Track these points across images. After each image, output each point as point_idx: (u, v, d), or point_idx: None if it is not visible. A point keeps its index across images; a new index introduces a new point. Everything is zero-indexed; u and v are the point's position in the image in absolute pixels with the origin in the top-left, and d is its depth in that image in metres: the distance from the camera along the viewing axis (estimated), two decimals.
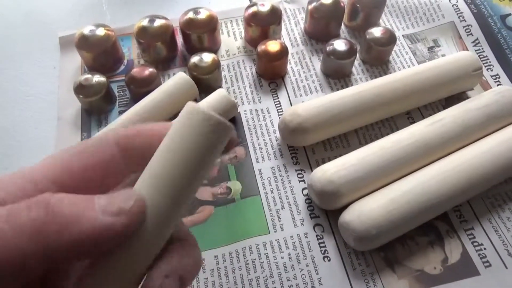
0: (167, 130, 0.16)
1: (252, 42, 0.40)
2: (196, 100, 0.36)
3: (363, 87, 0.34)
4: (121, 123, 0.33)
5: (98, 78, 0.35)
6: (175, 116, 0.34)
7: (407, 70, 0.35)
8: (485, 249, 0.30)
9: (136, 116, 0.33)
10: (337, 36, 0.41)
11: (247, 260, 0.29)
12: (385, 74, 0.39)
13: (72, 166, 0.16)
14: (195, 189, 0.16)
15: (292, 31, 0.42)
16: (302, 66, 0.39)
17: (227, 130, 0.16)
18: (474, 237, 0.30)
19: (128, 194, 0.15)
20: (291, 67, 0.39)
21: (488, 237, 0.30)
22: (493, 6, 0.41)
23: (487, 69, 0.39)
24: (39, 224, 0.13)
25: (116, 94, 0.38)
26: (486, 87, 0.38)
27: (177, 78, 0.35)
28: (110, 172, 0.17)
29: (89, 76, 0.35)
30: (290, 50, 0.40)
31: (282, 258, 0.29)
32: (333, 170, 0.30)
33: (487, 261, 0.29)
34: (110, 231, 0.14)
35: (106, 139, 0.17)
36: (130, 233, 0.15)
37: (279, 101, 0.37)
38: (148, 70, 0.36)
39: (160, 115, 0.34)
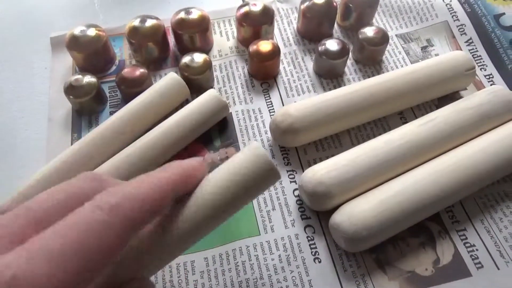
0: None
1: (244, 42, 0.40)
2: (188, 101, 0.36)
3: (356, 87, 0.34)
4: (111, 123, 0.33)
5: (88, 79, 0.35)
6: (165, 117, 0.34)
7: (400, 70, 0.35)
8: (477, 250, 0.29)
9: (128, 115, 0.33)
10: (330, 36, 0.41)
11: (237, 262, 0.29)
12: (378, 74, 0.38)
13: None
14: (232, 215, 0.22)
15: (284, 31, 0.42)
16: (295, 66, 0.39)
17: (276, 180, 0.22)
18: (466, 238, 0.30)
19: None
20: (284, 67, 0.39)
21: (480, 238, 0.30)
22: (486, 6, 0.41)
23: (480, 69, 0.39)
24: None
25: (108, 94, 0.38)
26: (479, 86, 0.38)
27: (168, 79, 0.35)
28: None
29: (79, 76, 0.35)
30: (283, 50, 0.40)
31: (273, 259, 0.29)
32: (324, 171, 0.29)
33: (479, 262, 0.29)
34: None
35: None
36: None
37: (271, 101, 0.37)
38: (139, 71, 0.36)
39: (151, 115, 0.34)
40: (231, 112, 0.36)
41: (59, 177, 0.30)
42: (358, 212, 0.28)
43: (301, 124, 0.32)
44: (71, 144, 0.35)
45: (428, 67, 0.35)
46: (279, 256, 0.29)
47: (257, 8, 0.38)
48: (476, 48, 0.40)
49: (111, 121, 0.33)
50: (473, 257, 0.29)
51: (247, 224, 0.30)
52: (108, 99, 0.37)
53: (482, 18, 0.40)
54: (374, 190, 0.29)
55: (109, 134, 0.32)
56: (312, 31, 0.40)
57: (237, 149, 0.34)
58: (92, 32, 0.37)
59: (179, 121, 0.33)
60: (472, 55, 0.39)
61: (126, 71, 0.36)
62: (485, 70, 0.38)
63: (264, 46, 0.37)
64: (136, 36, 0.37)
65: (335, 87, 0.38)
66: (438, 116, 0.32)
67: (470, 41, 0.40)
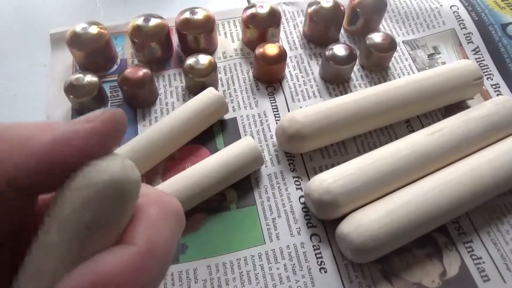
0: None
1: (250, 44, 0.39)
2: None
3: (363, 94, 0.33)
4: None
5: (89, 78, 0.34)
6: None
7: (407, 77, 0.35)
8: (483, 262, 0.29)
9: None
10: (336, 40, 0.40)
11: (242, 272, 0.28)
12: (385, 80, 0.38)
13: None
14: None
15: (290, 34, 0.41)
16: (301, 70, 0.38)
17: None
18: (473, 250, 0.30)
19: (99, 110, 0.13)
20: (289, 71, 0.38)
21: (487, 250, 0.30)
22: (494, 14, 0.41)
23: (487, 78, 0.38)
24: None
25: (108, 94, 0.37)
26: (486, 96, 0.37)
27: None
28: None
29: (80, 75, 0.34)
30: (289, 54, 0.39)
31: (278, 269, 0.28)
32: (331, 179, 0.29)
33: (486, 275, 0.28)
34: (74, 138, 0.12)
35: None
36: (100, 141, 0.13)
37: (276, 105, 0.36)
38: (142, 71, 0.35)
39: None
40: (235, 117, 0.35)
41: None
42: (365, 222, 0.27)
43: (308, 131, 0.31)
44: None
45: (436, 76, 0.35)
46: (285, 265, 0.29)
47: (264, 10, 0.38)
48: (483, 57, 0.39)
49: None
50: (479, 270, 0.29)
51: (252, 233, 0.30)
52: (109, 99, 0.36)
53: (489, 26, 0.40)
54: (381, 200, 0.29)
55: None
56: (318, 35, 0.39)
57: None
58: (94, 29, 0.36)
59: (175, 118, 0.32)
60: (479, 64, 0.39)
61: (128, 71, 0.35)
62: (492, 79, 0.38)
63: (271, 49, 0.36)
64: (139, 35, 0.36)
65: (341, 93, 0.37)
66: (446, 127, 0.32)
67: (477, 49, 0.40)
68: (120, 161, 0.13)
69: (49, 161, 0.12)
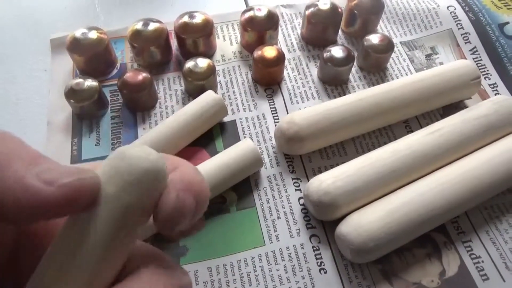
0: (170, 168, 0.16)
1: (248, 47, 0.40)
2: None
3: (361, 95, 0.34)
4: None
5: (90, 83, 0.35)
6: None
7: (405, 78, 0.35)
8: (482, 261, 0.29)
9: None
10: (334, 42, 0.41)
11: (242, 273, 0.28)
12: (383, 81, 0.38)
13: None
14: None
15: (288, 36, 0.41)
16: (299, 72, 0.39)
17: None
18: (472, 249, 0.30)
19: (81, 170, 0.13)
20: (288, 73, 0.38)
21: (486, 249, 0.30)
22: (491, 14, 0.41)
23: (484, 78, 0.38)
24: None
25: (109, 99, 0.37)
26: (484, 96, 0.38)
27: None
28: None
29: (80, 80, 0.34)
30: (287, 56, 0.39)
31: (278, 270, 0.29)
32: (330, 180, 0.29)
33: (485, 274, 0.29)
34: (35, 197, 0.12)
35: None
36: (61, 207, 0.13)
37: (275, 107, 0.36)
38: (142, 75, 0.35)
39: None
40: (234, 120, 0.36)
41: None
42: (364, 223, 0.27)
43: (306, 132, 0.32)
44: (71, 148, 0.34)
45: (434, 76, 0.35)
46: (285, 266, 0.29)
47: (261, 13, 0.38)
48: (480, 56, 0.39)
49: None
50: (479, 269, 0.29)
51: (252, 234, 0.30)
52: (110, 103, 0.37)
53: (486, 26, 0.40)
54: (380, 201, 0.29)
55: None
56: (316, 37, 0.40)
57: None
58: (93, 34, 0.37)
59: (175, 121, 0.32)
60: (476, 64, 0.39)
61: (128, 76, 0.35)
62: (489, 79, 0.38)
63: (269, 51, 0.36)
64: (139, 40, 0.37)
65: (339, 94, 0.37)
66: (444, 126, 0.32)
67: (475, 49, 0.40)
68: (155, 153, 0.14)
69: (16, 207, 0.12)
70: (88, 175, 0.13)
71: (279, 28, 0.41)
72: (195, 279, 0.28)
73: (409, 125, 0.36)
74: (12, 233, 0.13)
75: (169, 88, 0.38)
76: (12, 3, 0.44)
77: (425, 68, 0.39)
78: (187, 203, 0.14)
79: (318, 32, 0.39)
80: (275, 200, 0.31)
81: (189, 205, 0.15)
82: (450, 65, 0.36)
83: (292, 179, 0.33)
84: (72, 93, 0.34)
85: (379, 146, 0.33)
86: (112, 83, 0.38)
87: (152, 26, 0.37)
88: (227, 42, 0.41)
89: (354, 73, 0.39)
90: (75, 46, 0.36)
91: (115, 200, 0.14)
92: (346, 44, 0.41)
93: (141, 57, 0.38)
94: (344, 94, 0.37)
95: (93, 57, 0.36)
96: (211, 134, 0.35)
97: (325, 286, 0.28)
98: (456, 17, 0.41)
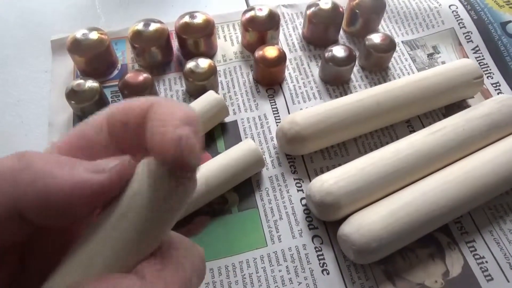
0: (144, 106, 0.15)
1: (249, 47, 0.39)
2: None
3: (363, 95, 0.33)
4: None
5: (91, 84, 0.34)
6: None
7: (407, 77, 0.35)
8: (486, 262, 0.29)
9: None
10: (335, 41, 0.40)
11: (244, 274, 0.28)
12: (384, 81, 0.38)
13: (71, 146, 0.16)
14: None
15: (290, 36, 0.41)
16: (300, 72, 0.38)
17: None
18: (476, 250, 0.30)
19: (116, 158, 0.14)
20: (289, 73, 0.38)
21: (490, 249, 0.29)
22: (493, 13, 0.41)
23: (487, 77, 0.38)
24: (10, 172, 0.13)
25: (110, 99, 0.37)
26: (486, 95, 0.37)
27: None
28: (96, 151, 0.16)
29: (81, 81, 0.34)
30: (288, 56, 0.39)
31: (280, 271, 0.28)
32: (332, 181, 0.29)
33: (489, 275, 0.28)
34: (85, 188, 0.13)
35: (99, 117, 0.16)
36: (107, 193, 0.14)
37: (276, 107, 0.36)
38: (143, 76, 0.35)
39: None
40: (236, 120, 0.35)
41: None
42: (367, 223, 0.27)
43: (308, 132, 0.31)
44: None
45: (436, 75, 0.35)
46: (287, 267, 0.29)
47: (263, 13, 0.38)
48: (482, 55, 0.39)
49: None
50: (482, 269, 0.29)
51: (254, 235, 0.30)
52: (111, 104, 0.37)
53: (488, 25, 0.40)
54: (383, 201, 0.29)
55: None
56: (318, 36, 0.39)
57: None
58: (94, 35, 0.36)
59: None
60: (479, 63, 0.39)
61: (129, 76, 0.35)
62: (492, 78, 0.38)
63: (270, 51, 0.36)
64: (140, 40, 0.37)
65: (341, 94, 0.37)
66: (447, 126, 0.32)
67: (477, 48, 0.40)
68: None
69: (63, 202, 0.13)
70: (122, 157, 0.14)
71: (280, 28, 0.41)
72: None
73: (411, 125, 0.35)
74: (28, 228, 0.14)
75: (170, 88, 0.37)
76: (13, 4, 0.44)
77: (427, 68, 0.39)
78: (184, 132, 0.13)
79: (319, 31, 0.39)
80: (277, 201, 0.31)
81: (186, 134, 0.13)
82: (452, 64, 0.36)
83: (294, 179, 0.32)
84: (73, 94, 0.34)
85: (381, 146, 0.33)
86: (113, 84, 0.38)
87: (153, 27, 0.37)
88: (228, 42, 0.41)
89: (355, 73, 0.38)
90: (76, 47, 0.36)
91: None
92: (348, 44, 0.40)
93: (142, 57, 0.38)
94: (346, 94, 0.37)
95: (94, 58, 0.36)
96: (212, 135, 0.35)
97: (328, 287, 0.28)
98: (458, 16, 0.41)
